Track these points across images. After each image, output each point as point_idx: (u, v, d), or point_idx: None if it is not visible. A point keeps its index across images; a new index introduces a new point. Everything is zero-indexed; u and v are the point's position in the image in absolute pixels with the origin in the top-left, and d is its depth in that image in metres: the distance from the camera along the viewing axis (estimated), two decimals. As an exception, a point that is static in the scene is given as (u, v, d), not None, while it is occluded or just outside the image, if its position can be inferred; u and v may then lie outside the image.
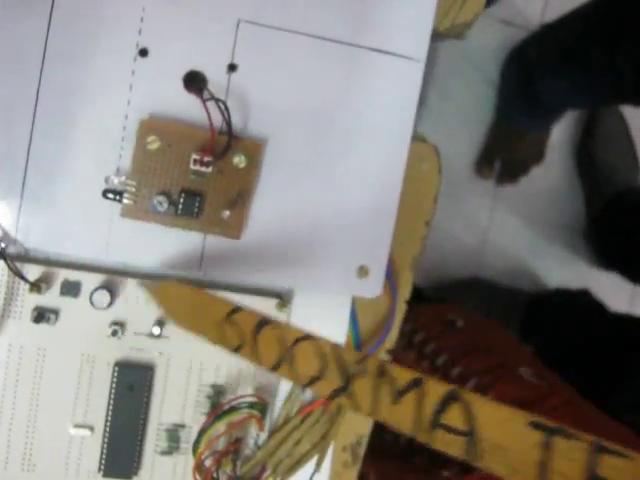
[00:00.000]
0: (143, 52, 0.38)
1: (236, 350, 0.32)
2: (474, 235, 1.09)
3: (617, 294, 1.09)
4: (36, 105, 0.38)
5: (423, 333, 0.71)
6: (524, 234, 1.11)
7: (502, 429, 0.25)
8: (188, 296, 0.35)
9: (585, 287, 1.06)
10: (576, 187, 1.12)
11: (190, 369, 0.41)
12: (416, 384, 0.26)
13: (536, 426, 0.24)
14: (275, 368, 0.30)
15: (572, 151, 1.11)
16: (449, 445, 0.25)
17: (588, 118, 1.10)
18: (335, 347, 0.29)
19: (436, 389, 0.26)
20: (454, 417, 0.25)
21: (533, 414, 0.24)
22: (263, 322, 0.31)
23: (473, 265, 1.10)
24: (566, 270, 1.13)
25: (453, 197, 1.08)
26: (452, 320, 0.75)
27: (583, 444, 0.23)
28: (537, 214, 1.11)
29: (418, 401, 0.26)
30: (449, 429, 0.25)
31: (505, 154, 1.08)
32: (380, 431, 0.46)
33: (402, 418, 0.26)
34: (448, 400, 0.26)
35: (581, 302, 1.05)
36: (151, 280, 0.39)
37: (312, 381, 0.29)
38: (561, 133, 1.10)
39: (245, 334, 0.31)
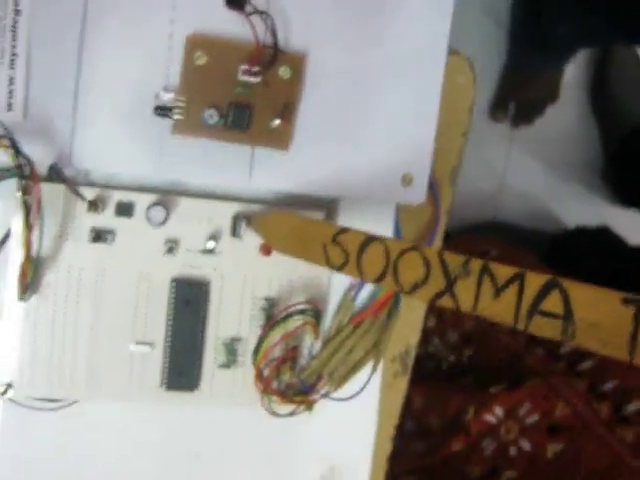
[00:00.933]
0: (183, -28, 0.39)
1: (339, 268, 0.34)
2: (491, 179, 1.10)
3: (636, 230, 1.10)
4: (83, 29, 0.38)
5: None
6: (541, 175, 1.12)
7: (596, 308, 0.26)
8: (292, 223, 0.38)
9: (605, 224, 1.07)
10: (592, 125, 1.13)
11: (243, 283, 0.42)
12: (517, 278, 0.28)
13: (628, 301, 0.25)
14: (379, 280, 0.32)
15: (586, 89, 1.12)
16: (546, 329, 0.27)
17: (601, 55, 1.10)
18: (440, 253, 0.31)
19: (536, 280, 0.28)
20: (552, 303, 0.27)
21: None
22: (369, 239, 0.33)
23: (491, 209, 1.11)
24: (585, 209, 1.13)
25: (468, 142, 1.09)
26: (486, 250, 0.77)
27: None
28: (554, 154, 1.12)
29: (518, 293, 0.28)
30: (547, 314, 0.27)
31: (519, 96, 1.08)
32: (421, 359, 0.47)
33: (503, 311, 0.28)
34: (547, 288, 0.27)
35: (601, 239, 1.06)
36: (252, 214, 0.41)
37: (415, 287, 0.31)
38: (574, 71, 1.10)
39: (350, 252, 0.33)
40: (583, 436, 0.72)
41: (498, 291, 0.28)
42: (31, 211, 0.37)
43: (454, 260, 0.30)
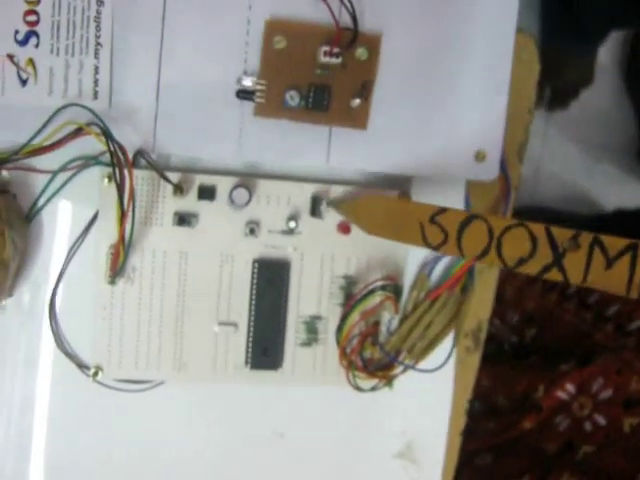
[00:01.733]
0: (259, -43, 0.40)
1: (437, 247, 0.35)
2: (527, 163, 1.10)
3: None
4: (164, 17, 0.39)
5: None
6: (577, 158, 1.12)
7: None
8: (385, 206, 0.39)
9: (643, 205, 1.07)
10: (627, 106, 1.13)
11: (322, 262, 0.43)
12: (630, 248, 0.29)
13: None
14: (481, 257, 0.33)
15: (620, 70, 1.12)
16: None
17: (634, 36, 1.10)
18: (547, 228, 0.32)
19: None
20: None
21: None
22: (470, 218, 0.34)
23: (527, 193, 1.11)
24: (621, 191, 1.13)
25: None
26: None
27: None
28: (589, 137, 1.12)
29: (631, 263, 0.29)
30: None
31: (553, 80, 1.08)
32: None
33: (615, 281, 0.30)
34: None
35: (641, 221, 1.06)
36: (340, 198, 0.42)
37: (520, 262, 0.32)
38: (608, 53, 1.10)
39: (449, 231, 0.34)
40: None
41: (610, 262, 0.29)
42: (124, 197, 0.37)
43: (562, 234, 0.31)
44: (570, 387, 0.74)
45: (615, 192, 1.13)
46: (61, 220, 0.42)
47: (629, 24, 1.06)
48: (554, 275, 0.31)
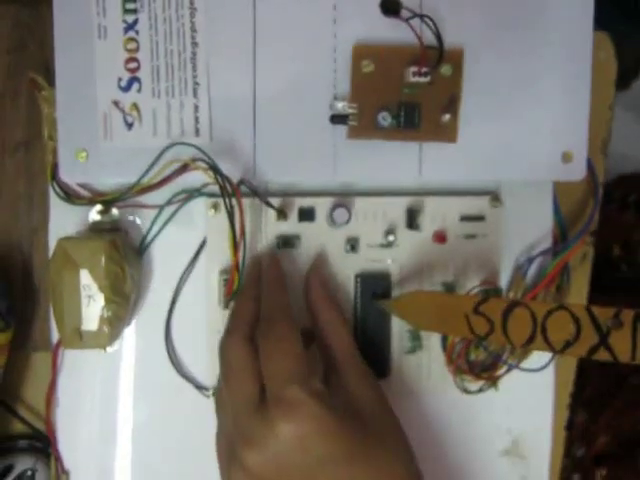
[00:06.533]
0: (341, -14, 0.41)
1: (485, 337, 0.35)
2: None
3: None
4: (254, 53, 0.41)
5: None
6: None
7: None
8: (429, 300, 0.39)
9: None
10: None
11: (421, 271, 0.45)
12: None
13: None
14: (528, 343, 0.34)
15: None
16: None
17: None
18: (588, 308, 0.32)
19: None
20: None
21: None
22: (512, 305, 0.35)
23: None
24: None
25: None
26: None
27: None
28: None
29: None
30: None
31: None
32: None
33: None
34: None
35: None
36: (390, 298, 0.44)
37: (566, 346, 0.33)
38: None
39: (494, 320, 0.35)
40: None
41: None
42: (235, 225, 0.40)
43: (604, 313, 0.32)
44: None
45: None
46: (170, 250, 0.44)
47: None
48: (602, 355, 0.32)
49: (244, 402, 0.35)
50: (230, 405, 0.36)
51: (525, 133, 0.43)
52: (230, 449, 0.35)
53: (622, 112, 1.05)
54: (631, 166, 1.09)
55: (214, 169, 0.39)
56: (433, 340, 0.45)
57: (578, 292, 0.48)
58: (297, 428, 0.33)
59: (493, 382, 0.45)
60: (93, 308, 0.40)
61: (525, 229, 0.46)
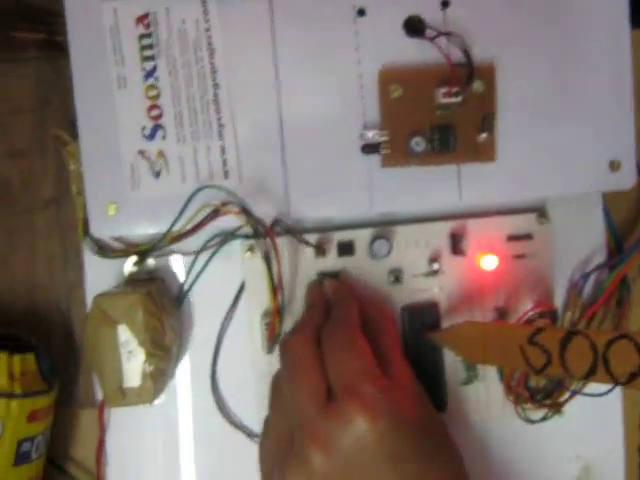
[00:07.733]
0: (361, 12, 0.40)
1: (542, 369, 0.33)
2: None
3: None
4: (278, 89, 0.40)
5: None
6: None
7: None
8: (481, 331, 0.37)
9: None
10: None
11: (471, 298, 0.43)
12: None
13: None
14: (589, 375, 0.32)
15: None
16: None
17: None
18: None
19: None
20: None
21: None
22: (570, 335, 0.32)
23: None
24: None
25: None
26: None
27: None
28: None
29: None
30: None
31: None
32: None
33: None
34: None
35: None
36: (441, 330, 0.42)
37: (632, 377, 0.30)
38: None
39: (551, 351, 0.33)
40: None
41: None
42: (272, 268, 0.38)
43: None
44: None
45: None
46: (210, 296, 0.43)
47: None
48: None
49: (311, 397, 0.34)
50: (293, 402, 0.35)
51: (567, 144, 0.41)
52: (285, 449, 0.34)
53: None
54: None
55: (245, 212, 0.38)
56: (489, 369, 0.43)
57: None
58: (372, 423, 0.32)
59: (557, 409, 0.43)
60: (134, 364, 0.39)
61: (576, 244, 0.44)
